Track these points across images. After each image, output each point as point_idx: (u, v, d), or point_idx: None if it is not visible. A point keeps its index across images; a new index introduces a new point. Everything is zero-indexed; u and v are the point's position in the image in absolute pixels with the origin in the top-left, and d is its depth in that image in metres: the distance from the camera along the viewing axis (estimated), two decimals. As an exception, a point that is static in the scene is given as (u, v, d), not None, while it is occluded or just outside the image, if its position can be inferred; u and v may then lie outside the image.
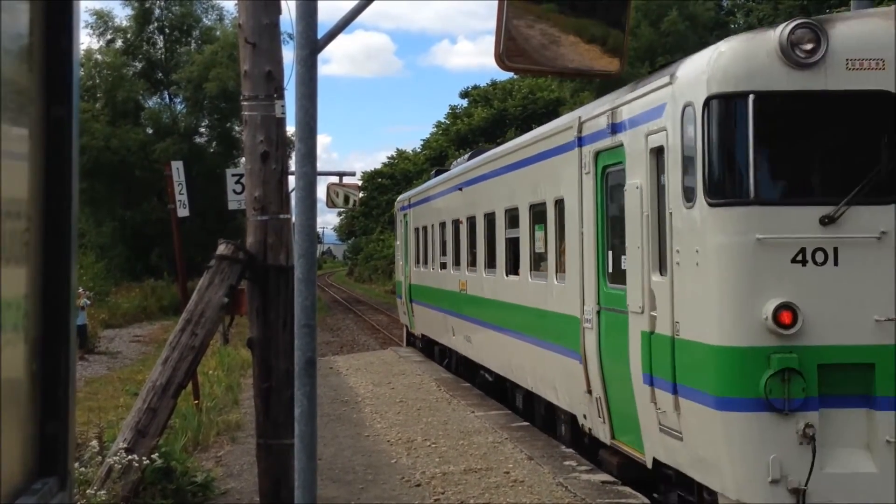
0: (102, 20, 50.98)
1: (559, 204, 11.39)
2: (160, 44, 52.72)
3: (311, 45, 3.93)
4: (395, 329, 32.31)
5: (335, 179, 23.89)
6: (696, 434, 7.64)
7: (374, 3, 3.97)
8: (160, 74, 52.73)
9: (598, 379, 9.90)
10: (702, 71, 7.60)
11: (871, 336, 7.09)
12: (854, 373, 7.15)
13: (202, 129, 52.98)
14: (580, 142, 10.49)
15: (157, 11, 51.66)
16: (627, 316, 8.94)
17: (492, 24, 3.51)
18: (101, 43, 51.32)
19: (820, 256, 7.18)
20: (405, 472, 10.96)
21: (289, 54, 9.22)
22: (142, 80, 51.82)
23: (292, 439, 4.60)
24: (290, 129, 6.56)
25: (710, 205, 7.41)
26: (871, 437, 7.09)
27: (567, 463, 10.94)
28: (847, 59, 7.21)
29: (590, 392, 10.19)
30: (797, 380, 7.00)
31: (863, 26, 7.41)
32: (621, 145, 9.26)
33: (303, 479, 3.97)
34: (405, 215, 24.92)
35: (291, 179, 5.95)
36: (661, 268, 8.27)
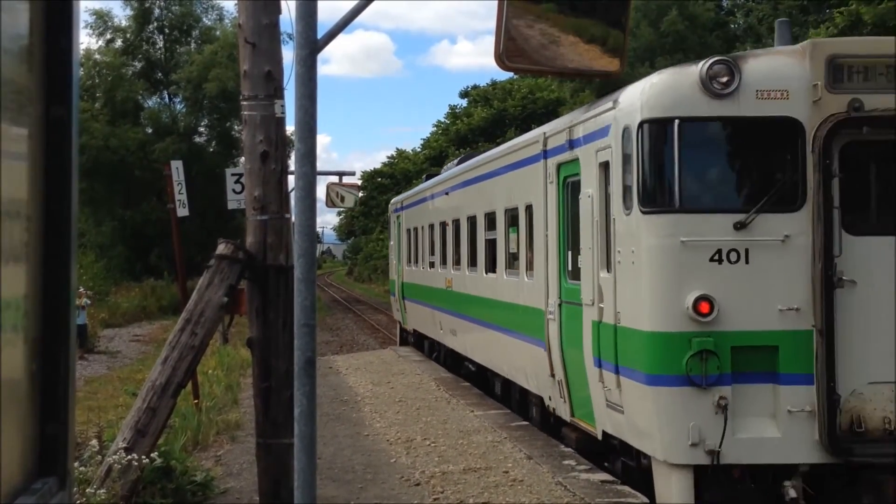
0: (102, 20, 50.99)
1: (529, 209, 12.65)
2: (160, 43, 52.72)
3: (311, 44, 3.94)
4: (394, 329, 32.23)
5: (335, 179, 23.90)
6: (633, 407, 8.95)
7: (374, 3, 3.97)
8: (160, 74, 52.73)
9: (560, 364, 11.16)
10: (637, 99, 8.93)
11: (776, 323, 8.39)
12: (761, 353, 8.41)
13: (202, 129, 52.98)
14: (545, 155, 11.81)
15: (156, 11, 51.65)
16: (582, 308, 10.23)
17: (492, 24, 3.50)
18: (100, 43, 51.33)
19: (733, 256, 8.43)
20: (404, 471, 10.96)
21: (288, 54, 9.22)
22: (141, 79, 51.81)
23: (292, 439, 4.60)
24: (290, 128, 6.56)
25: (644, 212, 8.72)
26: (775, 408, 8.39)
27: (566, 462, 10.94)
28: (757, 90, 8.47)
29: (553, 376, 11.49)
30: (713, 359, 8.25)
31: (770, 62, 8.70)
32: (577, 159, 10.55)
33: (302, 478, 3.97)
34: (398, 217, 26.18)
35: (291, 179, 5.95)
36: (608, 266, 9.55)
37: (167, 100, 53.55)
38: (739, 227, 8.41)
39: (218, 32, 51.52)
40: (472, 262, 16.43)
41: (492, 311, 14.92)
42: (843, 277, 8.36)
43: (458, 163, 19.76)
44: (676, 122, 8.49)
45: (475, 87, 65.09)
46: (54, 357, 1.66)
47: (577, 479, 10.12)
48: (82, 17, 49.27)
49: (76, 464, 7.87)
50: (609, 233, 9.48)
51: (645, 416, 8.71)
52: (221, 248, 7.79)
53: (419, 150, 74.72)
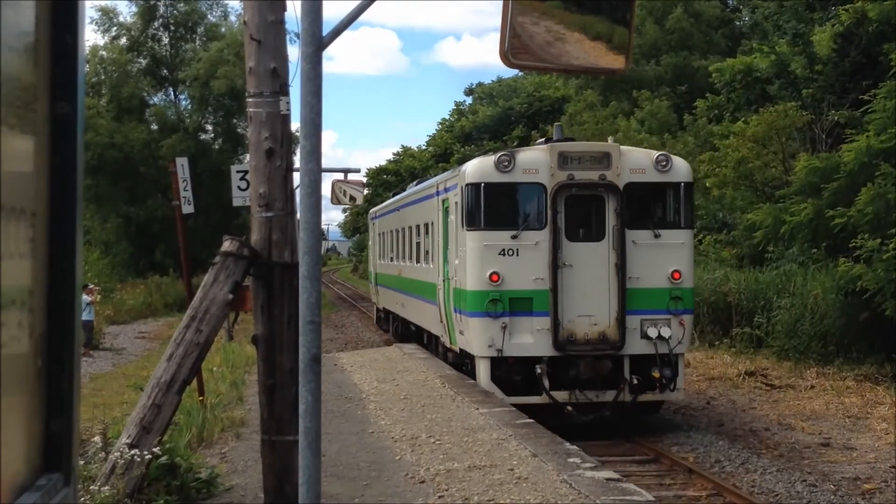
0: (107, 16, 51.01)
1: (430, 224, 19.97)
2: (165, 40, 52.74)
3: (317, 41, 3.94)
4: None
5: (340, 176, 23.88)
6: (466, 330, 15.81)
7: (379, 1, 3.97)
8: (165, 71, 52.75)
9: (444, 314, 18.14)
10: (466, 172, 15.82)
11: (531, 286, 15.02)
12: (524, 301, 15.02)
13: (208, 126, 53.02)
14: (437, 194, 18.97)
15: (161, 8, 51.67)
16: (449, 281, 17.14)
17: (497, 21, 3.50)
18: (105, 39, 51.37)
19: (511, 252, 15.09)
20: (409, 468, 10.97)
21: (294, 51, 9.22)
22: (147, 76, 51.84)
23: (296, 436, 4.60)
24: (296, 125, 6.56)
25: (467, 230, 15.59)
26: (531, 328, 14.99)
27: (571, 460, 10.94)
28: (523, 169, 15.26)
29: (441, 322, 18.55)
30: (500, 304, 14.95)
31: (531, 154, 15.81)
32: (447, 199, 17.55)
33: (307, 475, 3.97)
34: (373, 223, 34.90)
35: (296, 176, 5.95)
36: (457, 257, 16.36)
37: (173, 97, 53.59)
38: (514, 237, 15.13)
39: (223, 29, 51.55)
40: (411, 257, 23.36)
41: (418, 288, 22.12)
42: (564, 263, 15.08)
43: (416, 184, 26.31)
44: (482, 184, 15.35)
45: (480, 84, 65.07)
46: (59, 353, 1.67)
47: (582, 477, 10.12)
48: (88, 14, 49.27)
49: (81, 460, 7.88)
50: (457, 239, 16.31)
51: (470, 334, 15.63)
52: (226, 245, 7.79)
53: (425, 147, 74.71)
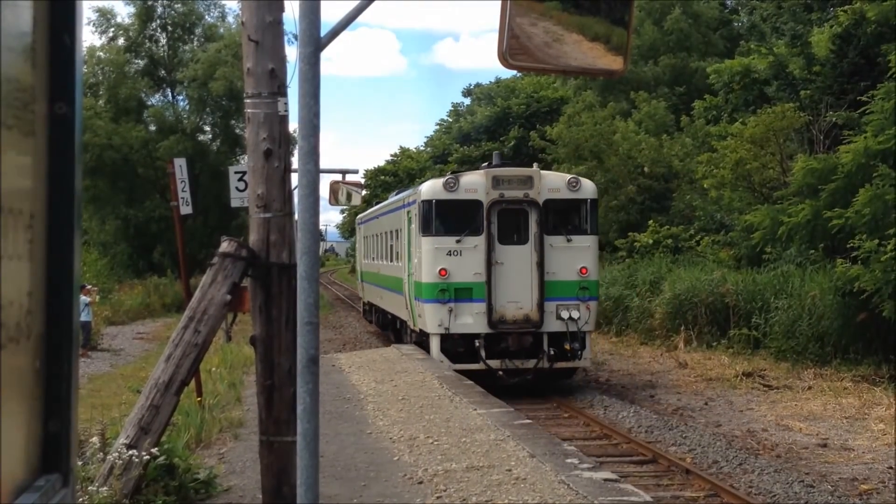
0: (105, 17, 50.98)
1: (398, 231, 24.16)
2: (163, 41, 52.70)
3: (314, 42, 3.93)
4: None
5: (338, 177, 23.89)
6: (423, 313, 19.71)
7: (378, 2, 3.97)
8: (163, 72, 52.72)
9: (408, 302, 21.99)
10: (421, 191, 20.18)
11: (472, 279, 18.88)
12: (466, 290, 18.89)
13: (206, 127, 52.98)
14: (404, 206, 22.88)
15: (159, 9, 51.63)
16: (412, 275, 21.11)
17: (495, 22, 3.50)
18: (103, 40, 51.33)
19: (455, 253, 19.02)
20: (407, 469, 10.97)
21: (292, 52, 9.20)
22: (145, 77, 51.79)
23: (295, 436, 4.60)
24: (293, 126, 6.55)
25: (422, 235, 19.58)
26: (471, 311, 18.89)
27: (569, 461, 10.95)
28: (464, 189, 19.21)
29: (406, 308, 22.39)
30: (447, 293, 18.86)
31: (471, 177, 19.68)
32: (410, 211, 21.52)
33: (305, 476, 3.97)
34: (359, 228, 40.48)
35: (294, 177, 5.95)
36: (416, 256, 20.27)
37: (171, 98, 53.55)
38: (458, 241, 19.11)
39: (221, 30, 51.52)
40: (387, 258, 27.21)
41: (391, 282, 25.88)
42: (497, 261, 18.97)
43: (395, 194, 29.91)
44: (433, 200, 19.46)
45: (478, 84, 65.06)
46: (57, 354, 1.67)
47: (580, 478, 10.12)
48: (85, 15, 49.14)
49: (79, 461, 7.88)
50: (416, 243, 20.35)
51: (425, 316, 19.61)
52: (224, 246, 7.79)
53: (423, 148, 74.69)
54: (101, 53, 50.24)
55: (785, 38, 32.88)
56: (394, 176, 73.41)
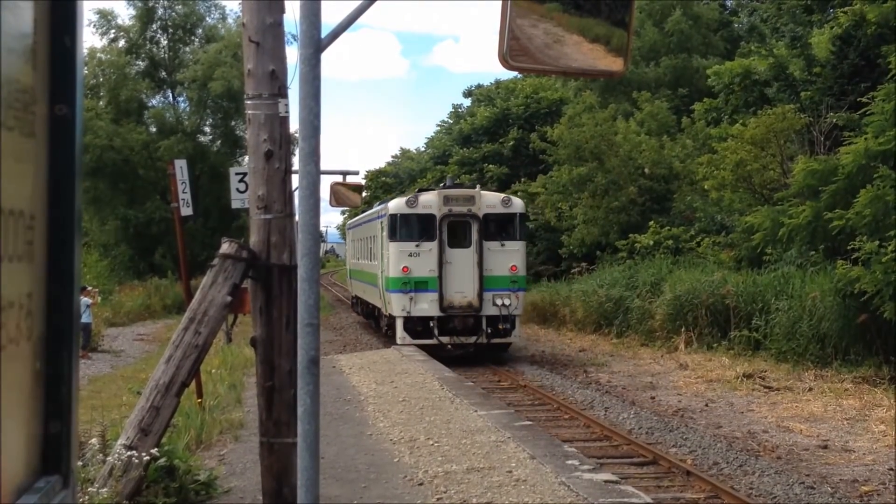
0: (105, 19, 51.01)
1: (375, 237, 28.69)
2: (163, 43, 52.72)
3: (315, 43, 3.94)
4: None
5: (339, 178, 23.95)
6: (390, 301, 24.89)
7: (379, 2, 3.97)
8: (163, 73, 52.72)
9: (382, 292, 26.53)
10: (388, 206, 25.60)
11: (428, 273, 24.09)
12: (423, 283, 24.08)
13: (206, 129, 52.98)
14: (378, 218, 27.96)
15: (159, 10, 51.64)
16: (384, 271, 25.57)
17: (496, 24, 3.50)
18: (104, 42, 51.34)
19: (415, 254, 24.20)
20: (408, 470, 10.96)
21: (293, 53, 9.22)
22: (145, 79, 51.80)
23: (295, 438, 4.60)
24: (294, 127, 6.55)
25: (390, 241, 24.74)
26: (427, 299, 24.21)
27: (570, 462, 10.94)
28: (422, 205, 24.55)
29: (380, 298, 27.11)
30: (408, 285, 24.15)
31: (428, 196, 25.10)
32: (382, 221, 26.19)
33: (305, 477, 3.97)
34: (349, 233, 45.55)
35: (295, 178, 5.94)
36: (386, 257, 25.17)
37: (171, 99, 53.56)
38: (416, 246, 24.11)
39: (222, 31, 51.52)
40: (367, 257, 32.47)
41: (370, 278, 30.52)
42: (447, 261, 23.90)
43: (378, 204, 34.26)
44: (398, 214, 24.51)
45: (479, 86, 65.05)
46: (58, 356, 1.66)
47: (581, 479, 10.12)
48: (86, 16, 49.20)
49: (79, 462, 7.87)
50: (386, 246, 25.07)
51: (392, 303, 24.54)
52: (225, 247, 7.79)
53: (423, 149, 74.68)
54: (101, 55, 50.28)
55: (785, 40, 32.88)
56: (394, 177, 73.42)
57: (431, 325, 24.14)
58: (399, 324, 24.54)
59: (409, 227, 24.52)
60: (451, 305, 24.14)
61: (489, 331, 24.18)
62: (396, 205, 25.05)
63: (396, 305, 24.42)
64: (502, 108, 54.01)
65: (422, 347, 23.53)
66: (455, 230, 24.48)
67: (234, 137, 51.18)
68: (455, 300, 24.18)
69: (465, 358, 24.04)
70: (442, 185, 28.34)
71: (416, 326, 24.33)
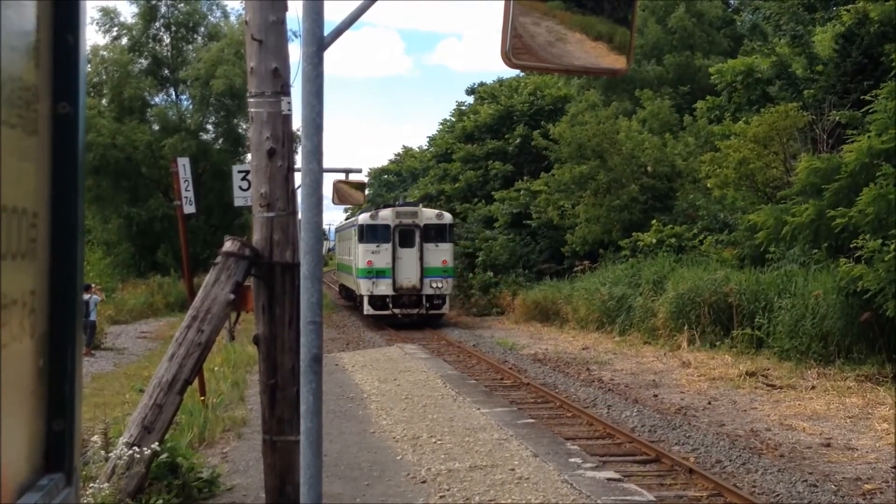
0: (108, 17, 50.98)
1: (352, 239, 37.73)
2: (166, 41, 52.71)
3: (318, 42, 3.94)
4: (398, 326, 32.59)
5: (342, 176, 23.91)
6: (359, 285, 35.75)
7: (381, 1, 3.97)
8: (166, 72, 52.72)
9: (355, 279, 36.86)
10: (358, 218, 37.08)
11: (385, 266, 34.31)
12: (382, 272, 34.34)
13: (209, 126, 52.99)
14: (353, 226, 37.97)
15: (162, 9, 51.64)
16: (357, 265, 35.98)
17: (499, 22, 3.50)
18: (107, 39, 51.34)
19: (377, 252, 34.38)
20: (411, 468, 10.97)
21: (295, 51, 9.22)
22: (148, 77, 51.80)
23: (298, 436, 4.60)
24: (297, 125, 6.55)
25: (359, 242, 35.24)
26: (385, 282, 34.55)
27: (572, 460, 10.94)
28: (381, 218, 35.08)
29: (355, 283, 37.20)
30: (371, 273, 34.31)
31: (385, 211, 35.72)
32: (355, 229, 36.77)
33: (308, 475, 3.97)
34: (337, 234, 55.01)
35: (298, 176, 5.95)
36: (357, 254, 35.67)
37: (174, 97, 53.57)
38: (377, 246, 34.32)
39: (224, 30, 51.51)
40: (347, 254, 40.29)
41: (349, 269, 39.24)
42: (398, 257, 34.84)
43: (360, 212, 41.23)
44: (365, 224, 35.12)
45: (482, 84, 65.01)
46: (61, 353, 1.67)
47: (583, 477, 10.12)
48: (89, 14, 49.20)
49: (82, 460, 7.88)
50: (357, 246, 35.33)
51: (361, 286, 35.18)
52: (228, 245, 7.79)
53: (426, 147, 74.65)
54: (104, 53, 50.27)
55: (786, 38, 32.84)
56: (397, 175, 73.40)
57: (388, 301, 34.23)
58: (366, 300, 34.75)
59: (373, 233, 34.69)
60: (401, 287, 34.12)
61: (427, 305, 34.36)
62: (364, 218, 35.77)
63: (364, 287, 34.62)
64: (507, 105, 53.98)
65: (379, 316, 34.40)
66: (404, 235, 34.50)
67: (236, 135, 51.18)
68: (404, 284, 34.16)
69: (464, 358, 24.39)
70: (396, 203, 40.54)
71: (377, 302, 34.35)
